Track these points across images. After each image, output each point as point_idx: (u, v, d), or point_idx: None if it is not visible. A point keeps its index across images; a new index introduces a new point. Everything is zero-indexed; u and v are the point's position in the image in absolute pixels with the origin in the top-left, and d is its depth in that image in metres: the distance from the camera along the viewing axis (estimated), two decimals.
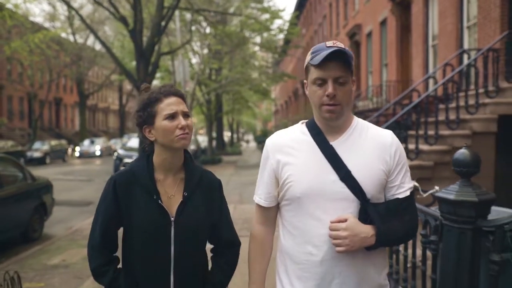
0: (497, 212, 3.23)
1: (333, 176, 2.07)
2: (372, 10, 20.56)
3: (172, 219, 2.26)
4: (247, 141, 77.11)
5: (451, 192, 3.09)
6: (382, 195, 2.14)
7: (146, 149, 2.38)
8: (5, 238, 8.11)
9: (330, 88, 2.04)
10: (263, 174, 2.28)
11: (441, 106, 8.84)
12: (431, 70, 14.21)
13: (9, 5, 25.38)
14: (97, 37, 17.19)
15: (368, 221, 2.04)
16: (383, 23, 19.15)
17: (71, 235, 9.10)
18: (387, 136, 2.17)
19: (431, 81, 11.98)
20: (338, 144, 2.13)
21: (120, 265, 2.35)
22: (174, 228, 2.25)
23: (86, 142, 41.44)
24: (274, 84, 36.65)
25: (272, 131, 32.14)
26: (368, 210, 2.04)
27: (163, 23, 13.88)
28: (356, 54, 24.37)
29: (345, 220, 2.01)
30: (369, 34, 21.62)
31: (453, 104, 8.33)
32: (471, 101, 8.23)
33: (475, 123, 8.03)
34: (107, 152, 41.45)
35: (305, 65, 2.15)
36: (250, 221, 8.63)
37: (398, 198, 2.12)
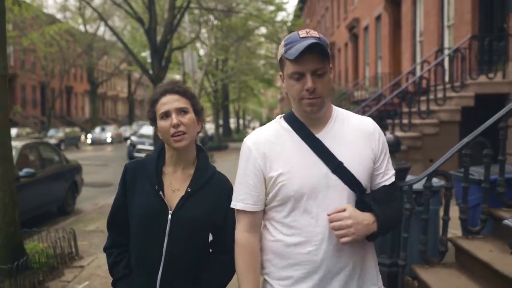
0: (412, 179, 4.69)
1: (324, 169, 2.02)
2: (368, 5, 21.90)
3: (170, 212, 2.27)
4: (253, 128, 78.54)
5: None
6: (369, 184, 2.11)
7: (161, 142, 2.42)
8: (46, 210, 9.67)
9: (309, 82, 1.97)
10: (246, 176, 2.14)
11: (422, 98, 10.30)
12: (417, 64, 15.63)
13: None
14: (112, 31, 18.75)
15: (366, 210, 2.01)
16: (378, 18, 20.51)
17: (99, 209, 10.67)
18: (369, 123, 2.14)
19: (411, 76, 13.43)
20: (324, 136, 2.07)
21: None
22: (171, 221, 2.26)
23: (97, 130, 43.10)
24: (278, 73, 38.02)
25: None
26: (366, 199, 2.02)
27: (175, 22, 15.34)
28: (354, 45, 25.83)
29: (344, 210, 1.96)
30: (366, 28, 22.99)
31: (425, 98, 9.78)
32: (440, 95, 9.67)
33: (442, 113, 9.48)
34: (118, 139, 43.10)
35: (278, 58, 2.09)
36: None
37: (385, 185, 2.11)
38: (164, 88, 2.33)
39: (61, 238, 6.37)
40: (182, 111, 2.27)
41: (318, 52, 1.95)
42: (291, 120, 2.13)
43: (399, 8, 17.57)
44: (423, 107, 9.69)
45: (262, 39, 32.70)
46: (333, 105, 2.16)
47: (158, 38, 15.67)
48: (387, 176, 2.12)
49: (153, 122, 2.34)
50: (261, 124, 63.97)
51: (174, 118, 2.23)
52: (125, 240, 2.38)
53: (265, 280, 2.18)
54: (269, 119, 43.24)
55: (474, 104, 9.33)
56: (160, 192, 2.27)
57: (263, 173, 2.09)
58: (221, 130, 36.37)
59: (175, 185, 2.33)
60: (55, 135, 34.31)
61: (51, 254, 5.95)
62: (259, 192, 2.12)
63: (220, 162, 20.39)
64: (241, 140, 27.49)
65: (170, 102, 2.26)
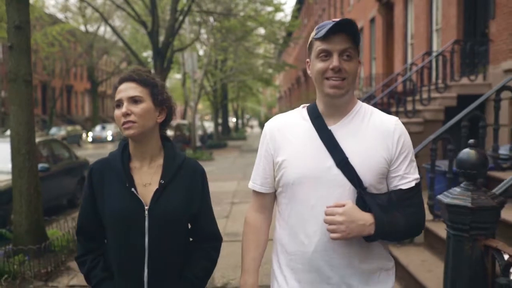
0: None
1: (329, 162, 1.99)
2: (363, 8, 22.61)
3: (146, 207, 2.20)
4: (252, 127, 79.23)
5: None
6: (384, 185, 2.04)
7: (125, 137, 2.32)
8: (58, 203, 10.37)
9: (335, 61, 1.94)
10: (260, 158, 2.21)
11: (409, 98, 11.00)
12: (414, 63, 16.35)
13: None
14: (115, 31, 19.40)
15: (366, 210, 1.94)
16: (372, 20, 21.23)
17: None
18: (391, 122, 2.06)
19: (400, 77, 14.16)
20: (338, 129, 2.04)
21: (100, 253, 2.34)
22: (148, 218, 2.19)
23: (98, 128, 43.77)
24: (276, 73, 38.77)
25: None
26: (365, 198, 1.96)
27: (176, 25, 16.04)
28: None
29: (343, 206, 1.91)
30: (361, 30, 23.68)
31: (411, 98, 10.49)
32: (425, 95, 10.37)
33: (427, 113, 10.18)
34: (118, 137, 43.65)
35: (308, 43, 2.06)
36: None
37: (401, 189, 2.01)
38: (122, 76, 2.25)
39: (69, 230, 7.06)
40: (134, 100, 2.17)
41: (349, 32, 1.94)
42: (311, 110, 2.12)
43: (392, 12, 18.29)
44: (410, 107, 10.40)
45: (261, 39, 33.34)
46: (358, 100, 2.13)
47: (160, 38, 16.38)
48: (406, 180, 2.02)
49: None
50: (260, 123, 64.19)
51: (124, 107, 2.15)
52: (97, 245, 2.32)
53: (274, 268, 2.21)
54: (267, 118, 43.94)
55: (457, 104, 10.03)
56: (132, 189, 2.19)
57: (273, 157, 2.14)
58: (220, 128, 37.09)
59: (146, 179, 2.25)
60: (57, 133, 35.04)
61: (70, 239, 6.65)
62: (268, 175, 2.17)
63: (220, 159, 21.15)
64: (240, 138, 28.41)
65: (124, 90, 2.18)
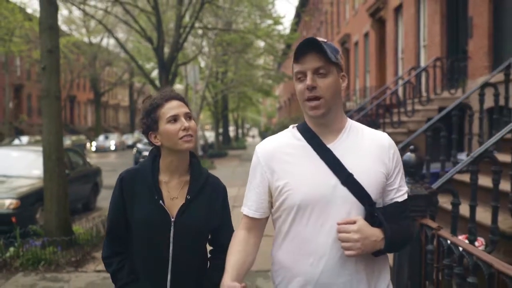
0: None
1: (333, 180, 2.00)
2: (358, 22, 23.66)
3: (173, 219, 2.32)
4: (253, 136, 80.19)
5: None
6: (381, 199, 2.08)
7: (154, 151, 2.44)
8: (74, 207, 11.33)
9: (308, 80, 1.97)
10: (253, 183, 2.18)
11: (395, 110, 11.98)
12: (401, 77, 17.35)
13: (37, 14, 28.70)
14: (120, 44, 20.45)
15: (375, 225, 1.97)
16: (366, 35, 22.26)
17: None
18: (384, 138, 2.11)
19: (388, 90, 15.17)
20: (335, 147, 2.05)
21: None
22: (174, 229, 2.32)
23: (101, 138, 44.75)
24: (275, 84, 39.77)
25: (273, 128, 35.13)
26: (375, 213, 1.99)
27: (180, 41, 17.07)
28: (346, 59, 27.53)
29: (354, 222, 1.93)
30: (356, 43, 24.75)
31: (396, 110, 11.48)
32: (409, 108, 11.36)
33: (411, 123, 11.16)
34: (121, 146, 44.80)
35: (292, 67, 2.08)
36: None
37: (397, 202, 2.08)
38: (168, 94, 2.38)
39: (97, 224, 8.04)
40: (188, 116, 2.36)
41: (319, 51, 1.96)
42: (304, 130, 2.11)
43: (384, 27, 19.32)
44: (395, 118, 11.38)
45: (260, 51, 34.23)
46: (348, 118, 2.15)
47: (165, 50, 17.42)
48: (400, 193, 2.09)
49: (150, 128, 2.36)
50: (260, 132, 64.71)
51: (185, 122, 2.30)
52: (124, 249, 2.43)
53: None
54: (267, 128, 45.07)
55: (451, 114, 11.00)
56: (160, 201, 2.32)
57: (269, 183, 2.11)
58: (221, 138, 38.07)
59: (173, 193, 2.37)
60: None
61: (93, 234, 7.62)
62: (263, 200, 2.15)
63: (220, 168, 22.10)
64: (240, 147, 29.36)
65: (177, 107, 2.33)
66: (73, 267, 6.60)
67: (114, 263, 2.39)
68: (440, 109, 11.05)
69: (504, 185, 4.41)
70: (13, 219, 7.69)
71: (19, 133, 36.54)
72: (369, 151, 2.06)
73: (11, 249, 6.85)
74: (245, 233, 2.22)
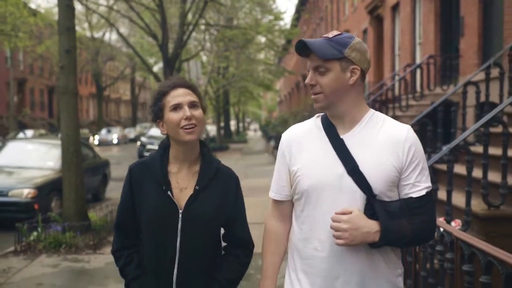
0: None
1: (340, 169, 2.06)
2: (357, 19, 24.19)
3: (181, 211, 2.28)
4: (255, 130, 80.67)
5: None
6: (395, 193, 2.09)
7: (165, 141, 2.40)
8: (85, 196, 11.94)
9: (307, 78, 2.10)
10: (278, 167, 2.28)
11: (390, 105, 12.56)
12: (397, 74, 17.93)
13: (41, 10, 29.32)
14: (124, 39, 21.06)
15: (374, 217, 2.01)
16: (365, 31, 22.79)
17: None
18: (403, 130, 2.09)
19: (385, 86, 15.76)
20: (349, 137, 2.10)
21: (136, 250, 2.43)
22: (182, 221, 2.28)
23: (104, 131, 45.31)
24: (276, 79, 40.34)
25: (274, 122, 35.66)
26: (374, 205, 2.01)
27: (184, 38, 17.64)
28: None
29: (350, 213, 1.98)
30: None
31: (392, 105, 12.06)
32: (404, 103, 11.93)
33: (405, 118, 11.70)
34: (123, 140, 45.39)
35: None
36: (254, 189, 12.01)
37: (411, 197, 2.06)
38: (174, 81, 2.34)
39: (112, 211, 8.63)
40: (194, 105, 2.28)
41: (311, 50, 2.06)
42: (324, 120, 2.18)
43: (382, 24, 19.87)
44: (391, 113, 11.96)
45: (261, 46, 34.70)
46: (371, 109, 2.17)
47: (170, 52, 17.99)
48: (417, 189, 2.07)
49: (157, 117, 2.33)
50: (260, 126, 65.21)
51: (188, 111, 2.24)
52: (133, 242, 2.41)
53: (288, 272, 2.27)
54: (268, 121, 45.55)
55: (431, 111, 11.61)
56: (169, 192, 2.29)
57: (289, 166, 2.20)
58: (222, 132, 38.68)
59: (182, 184, 2.34)
60: None
61: (108, 220, 8.23)
62: (284, 182, 2.23)
63: (223, 161, 22.11)
64: (241, 141, 30.11)
65: (182, 95, 2.27)
66: (92, 249, 7.24)
67: (122, 256, 2.38)
68: (439, 104, 11.64)
69: (477, 173, 4.99)
70: (36, 206, 8.36)
71: (22, 126, 37.02)
72: (382, 143, 2.08)
73: (34, 233, 7.52)
74: (275, 225, 2.32)
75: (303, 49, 2.09)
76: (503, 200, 4.78)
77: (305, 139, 2.19)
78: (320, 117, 2.22)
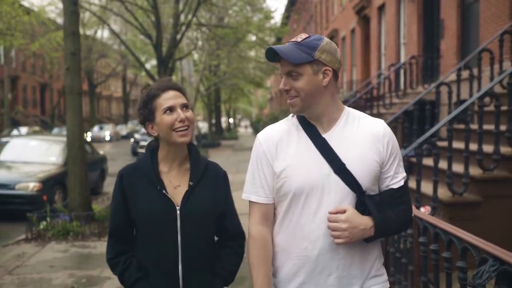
0: None
1: (327, 169, 2.07)
2: (345, 18, 24.87)
3: (178, 207, 2.31)
4: (246, 126, 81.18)
5: None
6: (376, 186, 2.15)
7: (152, 143, 2.44)
8: None
9: (281, 84, 2.11)
10: (258, 170, 2.22)
11: (375, 103, 13.21)
12: (382, 73, 18.61)
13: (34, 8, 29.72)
14: (119, 38, 21.64)
15: (366, 213, 2.05)
16: (353, 31, 23.50)
17: None
18: (380, 126, 2.16)
19: (371, 85, 16.43)
20: (331, 136, 2.12)
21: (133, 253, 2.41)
22: (180, 217, 2.30)
23: (96, 128, 45.73)
24: (267, 77, 40.84)
25: (264, 119, 36.27)
26: (365, 202, 2.06)
27: (178, 37, 18.22)
28: None
29: (344, 211, 2.01)
30: (344, 39, 25.98)
31: (376, 103, 12.72)
32: (387, 101, 12.60)
33: (388, 115, 12.33)
34: (116, 137, 45.83)
35: None
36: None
37: (392, 189, 2.14)
38: (164, 84, 2.35)
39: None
40: (185, 107, 2.31)
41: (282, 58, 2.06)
42: (302, 119, 2.18)
43: (369, 24, 20.55)
44: (375, 111, 12.63)
45: (253, 44, 35.21)
46: (345, 106, 2.20)
47: (164, 51, 18.56)
48: (396, 180, 2.15)
49: (146, 119, 2.34)
50: (251, 123, 65.30)
51: (181, 113, 2.27)
52: (128, 247, 2.40)
53: (277, 272, 2.24)
54: (258, 118, 46.27)
55: (413, 108, 12.27)
56: (164, 191, 2.30)
57: (272, 167, 2.16)
58: (213, 128, 39.23)
59: (175, 182, 2.36)
60: (60, 133, 36.91)
61: (109, 211, 8.82)
62: (270, 185, 2.19)
63: (214, 157, 23.17)
64: (232, 138, 30.87)
65: (174, 97, 2.29)
66: (96, 237, 7.89)
67: (120, 262, 2.36)
68: (414, 103, 12.31)
69: (443, 164, 5.66)
70: (45, 198, 9.01)
71: (15, 124, 37.36)
72: (364, 140, 2.11)
73: (43, 222, 8.13)
74: (261, 230, 2.22)
75: (274, 55, 2.09)
76: (466, 188, 5.47)
77: (285, 139, 2.18)
78: (295, 117, 2.23)
